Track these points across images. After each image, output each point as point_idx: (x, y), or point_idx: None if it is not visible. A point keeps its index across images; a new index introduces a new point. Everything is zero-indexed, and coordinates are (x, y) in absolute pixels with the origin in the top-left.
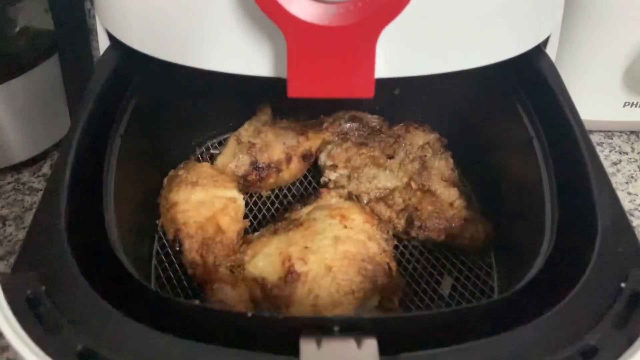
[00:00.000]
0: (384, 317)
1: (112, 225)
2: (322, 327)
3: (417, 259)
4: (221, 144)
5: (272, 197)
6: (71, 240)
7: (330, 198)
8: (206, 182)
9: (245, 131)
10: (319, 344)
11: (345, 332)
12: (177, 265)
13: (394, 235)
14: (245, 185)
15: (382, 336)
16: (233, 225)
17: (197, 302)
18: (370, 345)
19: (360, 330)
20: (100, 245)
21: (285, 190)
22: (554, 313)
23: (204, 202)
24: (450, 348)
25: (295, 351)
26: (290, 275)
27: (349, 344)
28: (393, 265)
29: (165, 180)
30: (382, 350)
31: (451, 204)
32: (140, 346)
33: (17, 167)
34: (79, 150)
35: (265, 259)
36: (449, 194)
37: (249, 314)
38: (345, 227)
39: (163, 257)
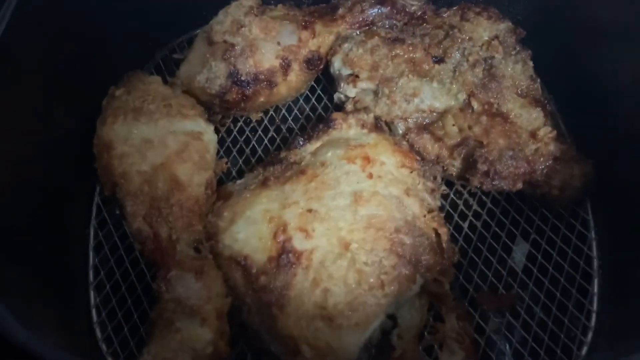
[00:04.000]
0: None
1: None
2: None
3: (476, 214)
4: (191, 42)
5: (266, 121)
6: None
7: (348, 128)
8: (155, 108)
9: (220, 25)
10: None
11: None
12: (126, 229)
13: (442, 181)
14: (222, 107)
15: None
16: (198, 176)
17: None
18: None
19: None
20: None
21: (284, 111)
22: None
23: (152, 140)
24: None
25: None
26: (285, 256)
27: None
28: (443, 232)
29: (103, 104)
30: None
31: (533, 134)
32: None
33: None
34: None
35: (248, 227)
36: (530, 118)
37: None
38: (371, 175)
39: (106, 215)
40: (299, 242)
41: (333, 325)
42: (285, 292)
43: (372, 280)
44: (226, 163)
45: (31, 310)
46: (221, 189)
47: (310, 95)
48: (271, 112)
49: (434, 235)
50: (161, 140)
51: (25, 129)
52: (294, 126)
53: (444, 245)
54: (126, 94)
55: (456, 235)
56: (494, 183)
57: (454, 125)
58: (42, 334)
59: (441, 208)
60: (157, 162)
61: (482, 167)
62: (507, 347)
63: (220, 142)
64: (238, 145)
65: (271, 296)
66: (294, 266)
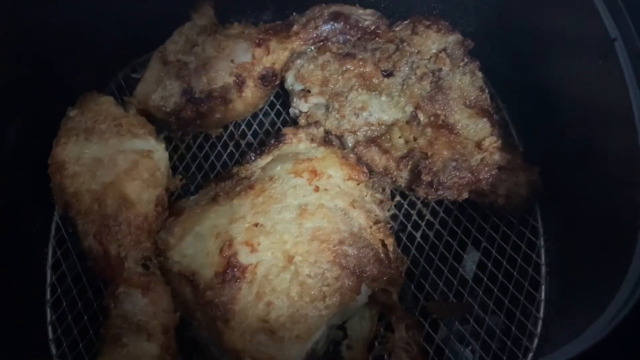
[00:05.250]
0: None
1: None
2: None
3: (428, 224)
4: (147, 63)
5: (225, 137)
6: None
7: (298, 142)
8: (105, 127)
9: (174, 44)
10: None
11: None
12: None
13: (394, 191)
14: (179, 124)
15: None
16: (147, 193)
17: None
18: None
19: None
20: None
21: (243, 127)
22: None
23: (102, 160)
24: None
25: None
26: (230, 270)
27: None
28: (389, 242)
29: (61, 124)
30: None
31: (479, 144)
32: None
33: None
34: None
35: (197, 243)
36: (477, 128)
37: None
38: (317, 189)
39: (65, 234)
40: (244, 257)
41: (275, 337)
42: (230, 306)
43: (313, 292)
44: (181, 180)
45: None
46: (174, 205)
47: (269, 110)
48: (230, 127)
49: (380, 246)
50: (111, 159)
51: None
52: (253, 141)
53: (391, 255)
54: (80, 115)
55: (409, 244)
56: (438, 193)
57: (400, 137)
58: None
59: (395, 218)
60: (106, 181)
61: (426, 178)
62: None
63: (180, 158)
64: (197, 161)
65: (217, 311)
66: (238, 280)
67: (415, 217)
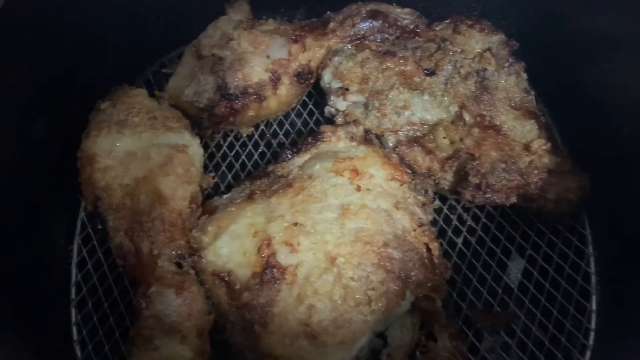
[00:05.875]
0: None
1: None
2: None
3: (470, 230)
4: (179, 59)
5: (257, 136)
6: None
7: (337, 141)
8: (139, 120)
9: (208, 38)
10: None
11: None
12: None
13: (436, 195)
14: (211, 121)
15: None
16: (182, 189)
17: None
18: None
19: None
20: None
21: (275, 126)
22: None
23: (135, 153)
24: None
25: None
26: (269, 271)
27: None
28: (434, 247)
29: (90, 118)
30: None
31: (527, 147)
32: None
33: None
34: None
35: (232, 242)
36: (524, 130)
37: None
38: (359, 188)
39: (91, 231)
40: (283, 257)
41: (317, 343)
42: (268, 309)
43: (358, 296)
44: (213, 177)
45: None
46: (206, 203)
47: (302, 109)
48: (262, 126)
49: (424, 250)
50: (144, 153)
51: (6, 141)
52: (285, 140)
53: (436, 260)
54: (111, 107)
55: (450, 251)
56: (486, 196)
57: (445, 137)
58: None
59: (434, 223)
60: (140, 175)
61: (474, 180)
62: None
63: (210, 157)
64: (227, 160)
65: (254, 313)
66: (278, 282)
67: (455, 222)
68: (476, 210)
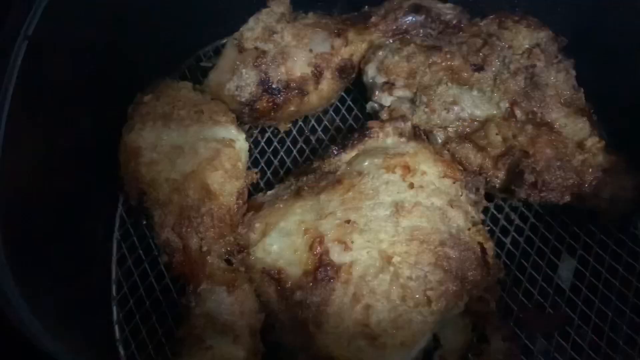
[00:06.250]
0: None
1: None
2: None
3: (518, 230)
4: (218, 51)
5: (295, 132)
6: None
7: (385, 137)
8: (185, 114)
9: (251, 31)
10: None
11: None
12: (150, 241)
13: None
14: (252, 116)
15: None
16: (229, 185)
17: None
18: None
19: None
20: None
21: (313, 122)
22: None
23: (182, 147)
24: None
25: None
26: (322, 269)
27: None
28: (489, 246)
29: (129, 111)
30: None
31: (580, 145)
32: None
33: None
34: None
35: (282, 239)
36: (576, 128)
37: None
38: (412, 185)
39: (130, 227)
40: (336, 255)
41: (376, 344)
42: (323, 308)
43: (417, 296)
44: (256, 173)
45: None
46: (251, 200)
47: (340, 105)
48: (300, 123)
49: (479, 249)
50: (192, 147)
51: (48, 136)
52: (324, 137)
53: (490, 260)
54: (155, 100)
55: (498, 251)
56: (541, 195)
57: (497, 134)
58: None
59: (482, 222)
60: (187, 170)
61: (530, 178)
62: None
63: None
64: (266, 157)
65: (308, 312)
66: (332, 280)
67: (503, 221)
68: (524, 210)
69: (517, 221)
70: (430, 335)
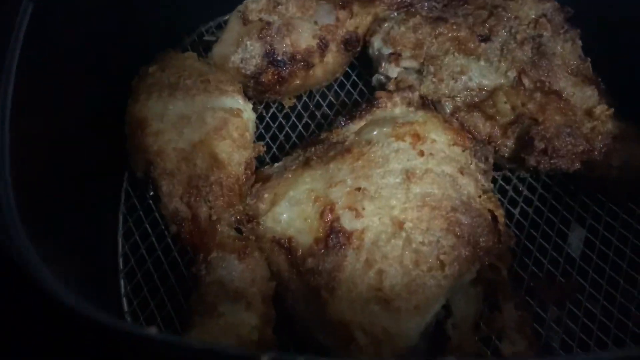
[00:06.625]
0: None
1: None
2: None
3: (526, 200)
4: (220, 27)
5: (299, 107)
6: None
7: (393, 107)
8: (191, 83)
9: (255, 3)
10: None
11: None
12: (157, 215)
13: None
14: (257, 89)
15: None
16: (238, 154)
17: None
18: None
19: None
20: None
21: (317, 97)
22: None
23: (189, 117)
24: None
25: None
26: (334, 236)
27: None
28: (500, 214)
29: (133, 83)
30: None
31: (589, 112)
32: None
33: None
34: None
35: (292, 208)
36: (584, 96)
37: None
38: (422, 153)
39: (136, 201)
40: (348, 222)
41: (390, 308)
42: (335, 274)
43: (430, 260)
44: (263, 146)
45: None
46: (258, 171)
47: (345, 80)
48: (304, 98)
49: (490, 216)
50: (199, 117)
51: (56, 108)
52: (329, 112)
53: (501, 228)
54: (160, 71)
55: (507, 221)
56: (551, 162)
57: (506, 102)
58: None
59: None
60: (195, 139)
61: (539, 145)
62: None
63: None
64: (271, 132)
65: (320, 279)
66: (344, 247)
67: (511, 192)
68: (531, 181)
69: (525, 192)
70: (444, 300)
